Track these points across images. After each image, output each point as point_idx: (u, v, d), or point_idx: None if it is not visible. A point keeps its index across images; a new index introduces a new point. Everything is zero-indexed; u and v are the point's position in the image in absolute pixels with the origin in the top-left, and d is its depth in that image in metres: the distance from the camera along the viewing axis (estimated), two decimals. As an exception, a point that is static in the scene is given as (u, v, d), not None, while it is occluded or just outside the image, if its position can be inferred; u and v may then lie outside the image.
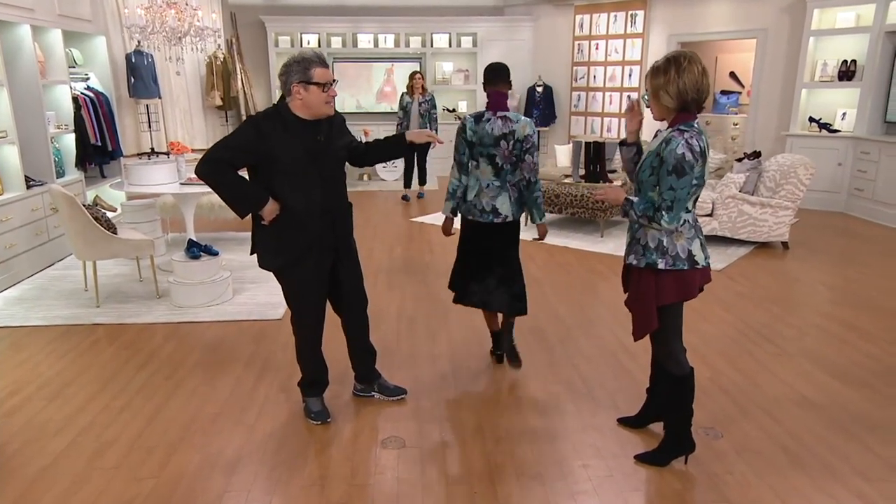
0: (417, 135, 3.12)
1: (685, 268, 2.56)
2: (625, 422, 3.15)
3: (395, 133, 7.20)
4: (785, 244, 6.37)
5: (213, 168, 2.79)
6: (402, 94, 8.56)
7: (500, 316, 3.76)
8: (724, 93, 11.12)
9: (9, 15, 5.42)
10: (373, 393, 3.41)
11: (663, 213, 2.48)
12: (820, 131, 8.15)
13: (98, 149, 6.73)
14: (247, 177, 2.90)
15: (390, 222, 7.60)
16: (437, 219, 7.44)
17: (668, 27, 9.66)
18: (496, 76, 3.47)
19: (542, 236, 3.70)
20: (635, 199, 2.60)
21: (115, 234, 4.72)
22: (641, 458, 2.84)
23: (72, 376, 3.66)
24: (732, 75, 11.17)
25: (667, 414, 2.86)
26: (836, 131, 8.04)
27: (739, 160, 7.01)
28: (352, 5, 10.80)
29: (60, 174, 6.24)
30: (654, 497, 2.61)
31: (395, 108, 9.36)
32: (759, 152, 6.97)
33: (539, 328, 4.33)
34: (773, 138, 8.83)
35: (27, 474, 2.76)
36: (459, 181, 3.55)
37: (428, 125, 8.42)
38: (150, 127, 8.97)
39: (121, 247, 4.70)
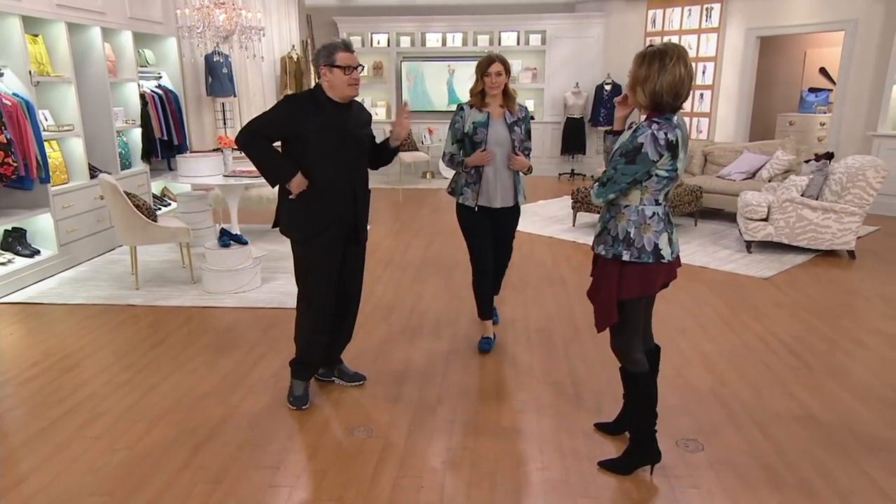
0: (402, 129, 3.19)
1: (650, 261, 2.46)
2: (602, 427, 3.01)
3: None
4: (851, 253, 5.87)
5: (249, 139, 3.00)
6: (463, 108, 3.75)
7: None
8: (812, 90, 10.40)
9: (81, 18, 5.87)
10: (332, 377, 3.49)
11: (595, 184, 2.47)
12: (912, 131, 7.45)
13: (164, 143, 7.17)
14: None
15: (439, 219, 7.61)
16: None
17: (747, 20, 9.12)
18: None
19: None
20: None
21: (155, 221, 5.02)
22: (604, 465, 2.72)
23: (92, 351, 3.93)
24: (822, 71, 10.42)
25: (632, 420, 2.72)
26: (929, 131, 7.32)
27: (807, 161, 6.52)
28: (421, 5, 10.92)
29: (126, 166, 6.71)
30: (603, 505, 2.49)
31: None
32: (832, 154, 6.44)
33: (548, 328, 4.23)
34: (859, 139, 8.14)
35: (20, 438, 2.98)
36: None
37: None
38: (224, 123, 9.49)
39: (158, 233, 5.00)
